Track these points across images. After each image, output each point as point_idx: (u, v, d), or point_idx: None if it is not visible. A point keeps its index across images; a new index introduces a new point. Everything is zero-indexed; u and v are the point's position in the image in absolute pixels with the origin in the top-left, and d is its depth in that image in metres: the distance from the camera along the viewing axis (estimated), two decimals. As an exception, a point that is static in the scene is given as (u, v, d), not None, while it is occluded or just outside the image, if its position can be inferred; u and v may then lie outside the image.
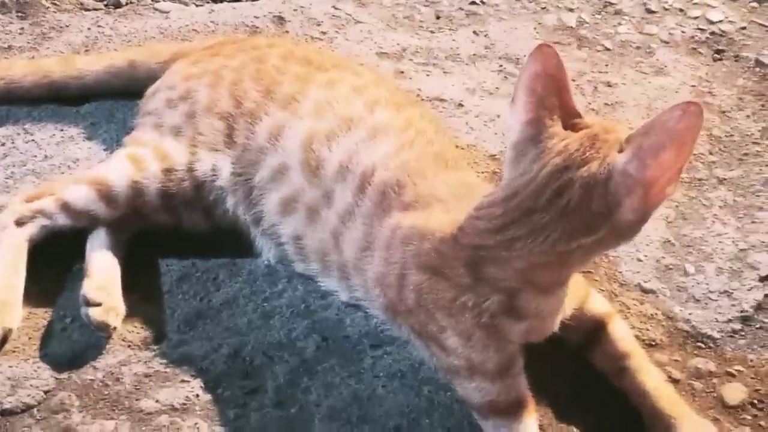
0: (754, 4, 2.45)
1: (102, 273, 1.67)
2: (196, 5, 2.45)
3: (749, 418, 1.56)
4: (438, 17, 2.43)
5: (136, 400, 1.56)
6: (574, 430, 1.53)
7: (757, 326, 1.70)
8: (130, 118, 1.96)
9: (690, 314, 1.71)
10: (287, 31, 2.35)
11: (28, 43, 2.29)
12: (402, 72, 2.21)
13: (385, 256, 1.54)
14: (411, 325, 1.54)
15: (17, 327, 1.63)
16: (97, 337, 1.63)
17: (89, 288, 1.63)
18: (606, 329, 1.59)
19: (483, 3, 2.45)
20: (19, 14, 2.37)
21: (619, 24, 2.39)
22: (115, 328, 1.63)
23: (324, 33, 2.34)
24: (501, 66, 2.25)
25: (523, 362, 1.49)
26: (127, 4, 2.44)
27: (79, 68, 2.07)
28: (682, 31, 2.35)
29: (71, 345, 1.63)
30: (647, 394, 1.52)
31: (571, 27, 2.38)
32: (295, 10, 2.42)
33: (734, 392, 1.60)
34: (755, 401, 1.58)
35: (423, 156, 1.64)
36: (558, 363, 1.59)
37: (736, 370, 1.63)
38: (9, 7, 2.37)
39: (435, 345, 1.50)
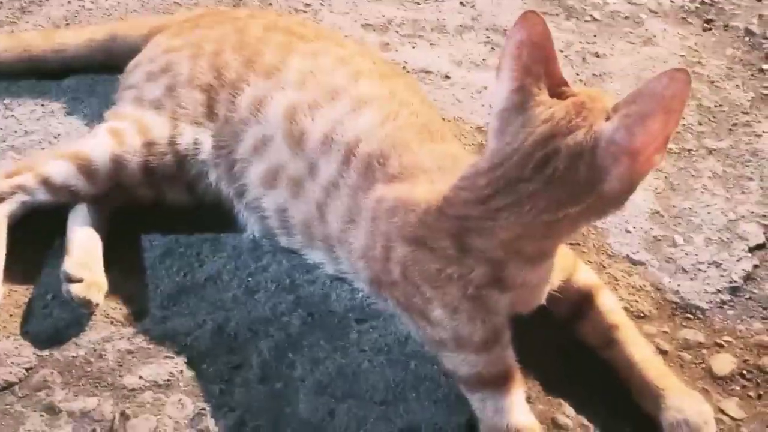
0: (744, -26, 2.43)
1: (83, 249, 1.65)
2: (179, -22, 2.42)
3: (738, 388, 1.55)
4: (424, -12, 2.40)
5: (120, 376, 1.54)
6: (562, 402, 1.52)
7: (746, 297, 1.69)
8: (111, 92, 1.92)
9: (679, 285, 1.70)
10: (271, 4, 2.31)
11: (8, 17, 2.26)
12: (387, 44, 2.18)
13: (370, 229, 1.52)
14: (396, 297, 1.52)
15: (-2, 304, 1.62)
16: (79, 314, 1.61)
17: (70, 264, 1.61)
18: (594, 301, 1.57)
19: (470, -27, 2.42)
20: (-1, -12, 2.33)
21: (608, -6, 2.37)
22: (97, 304, 1.60)
23: (308, 5, 2.31)
24: (488, 37, 2.23)
25: (510, 335, 1.47)
26: (108, -23, 2.40)
27: (59, 42, 2.04)
28: (671, 1, 2.33)
29: (53, 322, 1.61)
30: (635, 367, 1.50)
31: (560, -3, 2.35)
32: (279, -18, 2.39)
33: (723, 363, 1.59)
34: (744, 372, 1.57)
35: (408, 127, 1.61)
36: (546, 336, 1.58)
37: (725, 341, 1.62)
38: (-12, -20, 2.34)
39: (421, 317, 1.48)
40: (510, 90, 1.35)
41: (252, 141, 1.69)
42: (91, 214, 1.71)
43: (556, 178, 1.30)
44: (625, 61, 2.15)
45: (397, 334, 1.59)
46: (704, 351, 1.60)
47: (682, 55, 2.17)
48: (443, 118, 1.91)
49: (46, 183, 1.70)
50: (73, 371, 1.55)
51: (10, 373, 1.53)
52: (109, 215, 1.75)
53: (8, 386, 1.51)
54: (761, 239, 1.77)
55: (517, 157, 1.33)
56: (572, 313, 1.58)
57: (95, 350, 1.58)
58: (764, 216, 1.81)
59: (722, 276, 1.71)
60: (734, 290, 1.69)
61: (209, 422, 1.48)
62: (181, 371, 1.55)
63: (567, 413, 1.50)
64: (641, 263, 1.73)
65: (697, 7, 2.31)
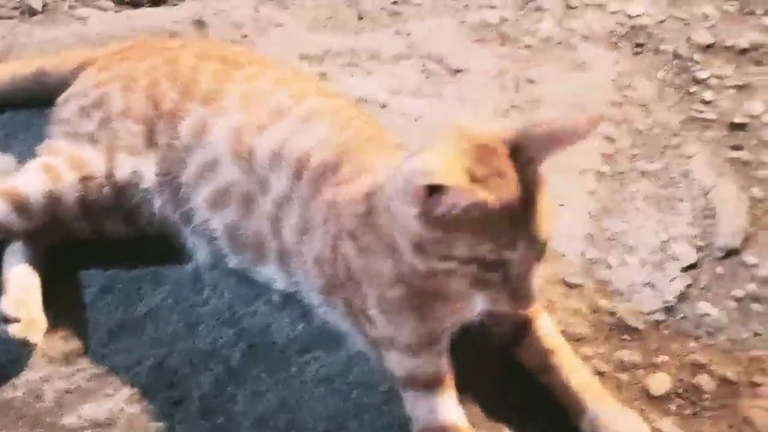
0: (673, -3, 2.50)
1: (20, 287, 1.64)
2: (115, 11, 2.41)
3: (674, 407, 1.58)
4: (360, 18, 2.41)
5: (59, 416, 1.53)
6: (503, 427, 1.54)
7: (681, 316, 1.72)
8: (47, 127, 1.91)
9: (614, 307, 1.73)
10: (208, 36, 2.32)
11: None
12: (325, 74, 2.20)
13: (322, 232, 1.56)
14: (344, 300, 1.55)
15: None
16: (17, 353, 1.60)
17: (7, 304, 1.60)
18: (532, 326, 1.60)
19: (405, 2, 2.44)
20: (-69, 23, 2.31)
21: (540, 20, 2.40)
22: (35, 344, 1.60)
23: (245, 36, 2.32)
24: (424, 65, 2.25)
25: (447, 344, 1.51)
26: (43, 11, 2.39)
27: None
28: (602, 26, 2.37)
29: (-10, 362, 1.60)
30: (572, 390, 1.53)
31: (494, 24, 2.38)
32: (215, 13, 2.39)
33: (659, 383, 1.62)
34: (679, 390, 1.60)
35: (357, 138, 1.64)
36: (487, 361, 1.60)
37: (660, 361, 1.65)
38: None
39: (363, 317, 1.52)
40: None
41: (197, 165, 1.70)
42: (28, 251, 1.70)
43: None
44: (559, 87, 2.19)
45: (339, 365, 1.61)
46: (640, 371, 1.63)
47: (614, 79, 2.21)
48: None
49: (-22, 220, 1.69)
50: (11, 413, 1.54)
51: (-54, 416, 1.52)
52: (46, 251, 1.74)
53: (-56, 430, 1.50)
54: (693, 259, 1.81)
55: None
56: (511, 337, 1.61)
57: (33, 391, 1.57)
58: (696, 236, 1.85)
59: (656, 297, 1.74)
60: (669, 310, 1.73)
61: (151, 459, 1.48)
62: (122, 409, 1.55)
63: (508, 437, 1.53)
64: (577, 286, 1.76)
65: (627, 32, 2.35)
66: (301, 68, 2.20)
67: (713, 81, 2.21)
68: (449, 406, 1.49)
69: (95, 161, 1.73)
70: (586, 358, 1.61)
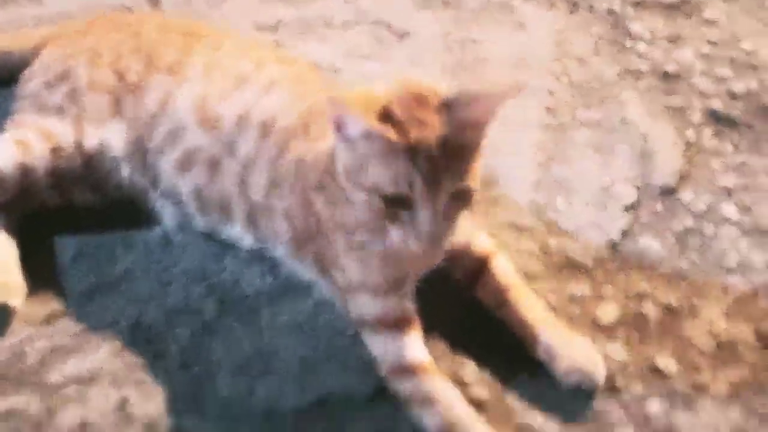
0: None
1: (-2, 254, 1.70)
2: (71, -10, 2.45)
3: (621, 334, 1.69)
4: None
5: (43, 374, 1.60)
6: (465, 360, 1.63)
7: (624, 251, 1.83)
8: (10, 105, 1.96)
9: (563, 246, 1.83)
10: (162, 11, 2.37)
11: None
12: (279, 42, 2.27)
13: (292, 187, 1.64)
14: (314, 253, 1.64)
15: None
16: (-3, 319, 1.66)
17: (-15, 270, 1.66)
18: (489, 265, 1.70)
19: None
20: None
21: (481, -16, 2.50)
22: (15, 307, 1.66)
23: (198, 10, 2.38)
24: (373, 30, 2.33)
25: (413, 287, 1.61)
26: (-1, -7, 2.42)
27: None
28: (540, -13, 2.48)
29: (-28, 329, 1.66)
30: (527, 323, 1.63)
31: (436, -11, 2.48)
32: (167, -11, 2.45)
33: (607, 312, 1.73)
34: (627, 319, 1.71)
35: (321, 101, 1.71)
36: (448, 301, 1.70)
37: (608, 293, 1.75)
38: None
39: (333, 267, 1.61)
40: None
41: (164, 132, 1.77)
42: (2, 220, 1.75)
43: None
44: (502, 46, 2.29)
45: (307, 312, 1.69)
46: (590, 303, 1.74)
47: (552, 37, 2.32)
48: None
49: (-46, 195, 1.74)
50: (-4, 374, 1.60)
51: (-66, 379, 1.57)
52: (19, 222, 1.79)
53: (-68, 393, 1.56)
54: (634, 198, 1.92)
55: None
56: (470, 277, 1.71)
57: (16, 352, 1.63)
58: (635, 178, 1.96)
59: (602, 234, 1.86)
60: (613, 246, 1.84)
61: (134, 408, 1.55)
62: (103, 365, 1.62)
63: (469, 370, 1.62)
64: (528, 229, 1.87)
65: (563, -8, 2.46)
66: (256, 38, 2.26)
67: (646, 34, 2.33)
68: (416, 346, 1.58)
69: (64, 132, 1.79)
70: (539, 293, 1.71)
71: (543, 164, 2.00)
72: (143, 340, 1.65)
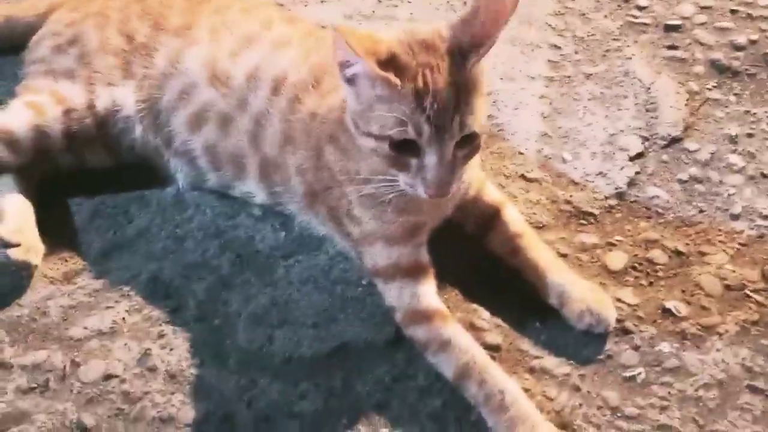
0: None
1: (17, 215, 1.72)
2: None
3: (631, 279, 1.72)
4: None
5: (65, 329, 1.63)
6: (478, 308, 1.67)
7: (631, 200, 1.86)
8: (20, 71, 1.98)
9: (571, 196, 1.86)
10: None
11: None
12: (281, 5, 2.29)
13: (305, 141, 1.66)
14: (327, 206, 1.67)
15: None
16: (19, 278, 1.69)
17: (6, 231, 1.68)
18: (499, 215, 1.73)
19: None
20: None
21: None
22: (36, 266, 1.69)
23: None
24: (375, -10, 2.36)
25: (427, 237, 1.63)
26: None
27: None
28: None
29: (-7, 288, 1.69)
30: (539, 268, 1.67)
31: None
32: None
33: (616, 259, 1.76)
34: (635, 265, 1.75)
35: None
36: (459, 250, 1.72)
37: (616, 240, 1.79)
38: None
39: (347, 219, 1.63)
40: None
41: (175, 90, 1.80)
42: (19, 184, 1.78)
43: None
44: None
45: (321, 266, 1.72)
46: (599, 251, 1.77)
47: (555, -6, 2.35)
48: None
49: (-30, 158, 1.77)
50: (20, 329, 1.63)
51: (-43, 337, 1.61)
52: (35, 184, 1.82)
53: (-43, 349, 1.59)
54: (640, 149, 1.95)
55: None
56: (481, 227, 1.74)
57: (38, 308, 1.66)
58: (640, 128, 1.99)
59: (608, 184, 1.89)
60: (620, 195, 1.87)
61: (156, 360, 1.59)
62: (123, 318, 1.65)
63: (483, 317, 1.65)
64: (536, 180, 1.89)
65: (565, -50, 2.48)
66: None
67: (647, -12, 2.35)
68: (430, 293, 1.61)
69: (76, 94, 1.81)
70: (549, 243, 1.74)
71: (549, 117, 2.02)
72: (162, 295, 1.69)
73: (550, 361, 1.60)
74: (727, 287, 1.70)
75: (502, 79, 2.10)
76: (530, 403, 1.48)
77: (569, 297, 1.63)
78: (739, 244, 1.78)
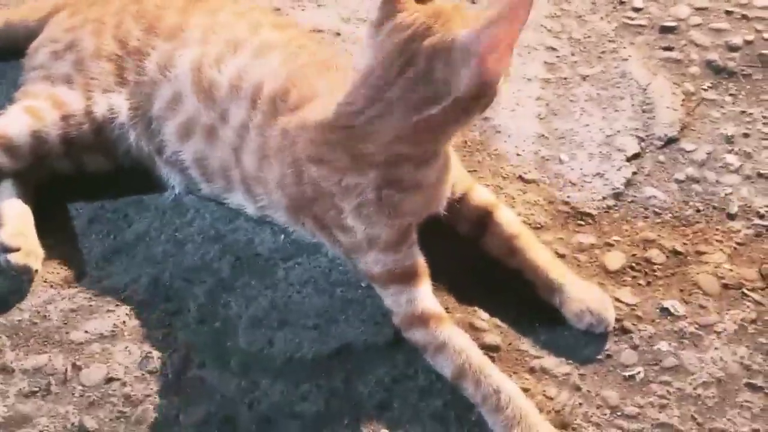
0: None
1: (16, 219, 1.73)
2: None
3: (629, 279, 1.73)
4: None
5: (66, 333, 1.63)
6: (477, 309, 1.67)
7: (629, 200, 1.87)
8: (19, 77, 1.98)
9: (569, 197, 1.87)
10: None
11: None
12: (279, 9, 2.30)
13: (280, 159, 1.65)
14: (314, 216, 1.65)
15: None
16: (18, 283, 1.69)
17: (5, 235, 1.68)
18: (492, 216, 1.73)
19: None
20: None
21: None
22: (36, 270, 1.69)
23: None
24: (371, -6, 2.37)
25: (416, 237, 1.63)
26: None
27: None
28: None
29: (-7, 293, 1.69)
30: (538, 268, 1.67)
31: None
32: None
33: (614, 259, 1.77)
34: (633, 264, 1.75)
35: (307, 65, 1.74)
36: (455, 252, 1.73)
37: (614, 240, 1.80)
38: None
39: (337, 229, 1.62)
40: (381, 2, 1.49)
41: (164, 99, 1.79)
42: (17, 188, 1.78)
43: (417, 79, 1.46)
44: (500, 6, 2.32)
45: (320, 268, 1.72)
46: (596, 251, 1.78)
47: (549, -4, 2.36)
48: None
49: (-32, 164, 1.77)
50: (21, 333, 1.63)
51: (-41, 342, 1.61)
52: (34, 189, 1.82)
53: (-42, 354, 1.60)
54: (637, 149, 1.96)
55: (383, 63, 1.48)
56: (474, 230, 1.74)
57: (39, 312, 1.66)
58: (637, 129, 2.00)
59: (606, 185, 1.90)
60: (617, 195, 1.88)
61: (156, 363, 1.59)
62: (124, 322, 1.65)
63: (482, 317, 1.66)
64: (533, 181, 1.90)
65: (560, -49, 2.50)
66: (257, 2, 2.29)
67: (642, -10, 2.37)
68: (426, 296, 1.61)
69: (73, 100, 1.81)
70: (546, 244, 1.75)
71: (545, 118, 2.03)
72: (162, 299, 1.69)
73: (549, 361, 1.60)
74: (725, 286, 1.71)
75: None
76: (528, 402, 1.49)
77: (569, 297, 1.64)
78: (737, 243, 1.79)
